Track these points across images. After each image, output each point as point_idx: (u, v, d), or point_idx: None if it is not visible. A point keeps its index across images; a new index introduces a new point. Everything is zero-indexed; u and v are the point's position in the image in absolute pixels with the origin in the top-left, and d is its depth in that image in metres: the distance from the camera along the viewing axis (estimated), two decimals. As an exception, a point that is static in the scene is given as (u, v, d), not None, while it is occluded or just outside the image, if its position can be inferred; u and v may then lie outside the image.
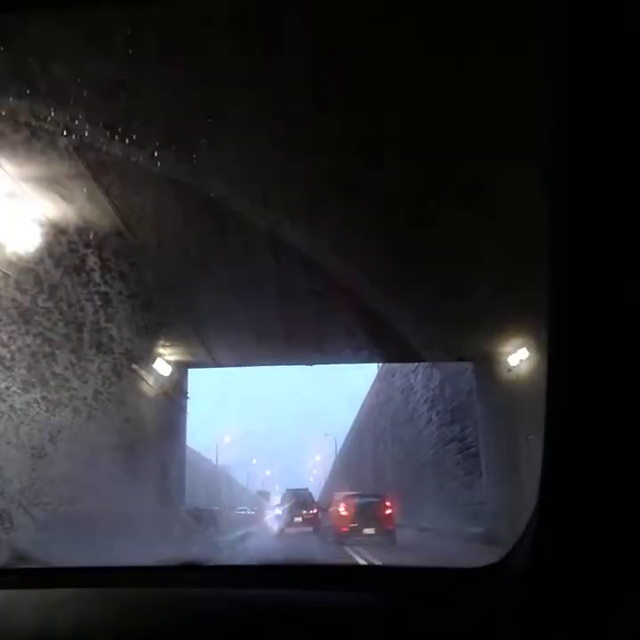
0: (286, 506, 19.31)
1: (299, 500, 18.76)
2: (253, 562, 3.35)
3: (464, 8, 4.08)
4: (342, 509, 13.82)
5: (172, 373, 13.07)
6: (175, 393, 13.49)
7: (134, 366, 10.93)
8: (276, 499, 26.73)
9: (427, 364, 16.08)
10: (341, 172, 5.85)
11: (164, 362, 12.74)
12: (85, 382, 8.29)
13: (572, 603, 1.06)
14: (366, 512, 12.92)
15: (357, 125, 5.25)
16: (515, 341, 10.71)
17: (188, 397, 14.86)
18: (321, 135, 5.35)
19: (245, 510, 28.29)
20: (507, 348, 11.09)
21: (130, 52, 4.08)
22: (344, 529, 13.02)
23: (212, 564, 2.12)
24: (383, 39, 4.40)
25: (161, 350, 12.25)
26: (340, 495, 15.81)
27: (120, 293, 7.85)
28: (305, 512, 18.08)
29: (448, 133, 5.34)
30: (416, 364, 17.02)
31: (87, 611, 1.46)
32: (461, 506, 13.53)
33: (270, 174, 5.78)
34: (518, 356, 10.91)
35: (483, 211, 6.28)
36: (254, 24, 4.19)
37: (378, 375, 23.50)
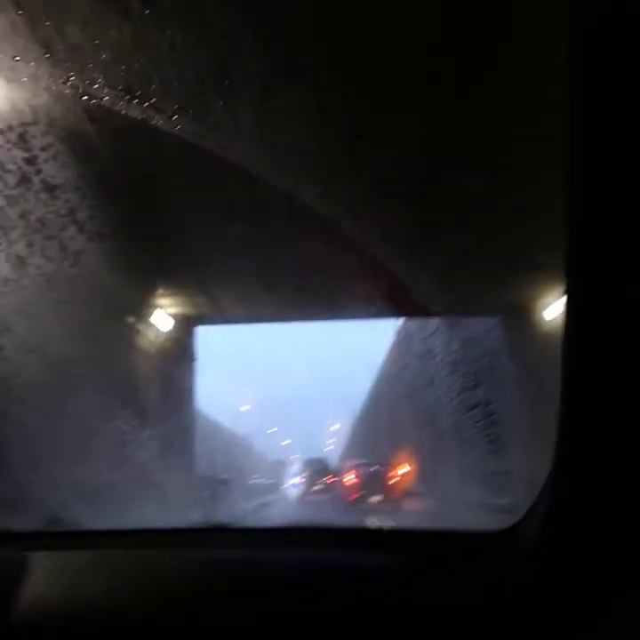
0: (305, 475, 19.58)
1: (317, 469, 19.13)
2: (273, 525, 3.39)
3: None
4: (350, 478, 13.64)
5: (174, 329, 11.77)
6: (180, 352, 12.33)
7: (129, 319, 10.04)
8: (293, 467, 26.57)
9: (447, 325, 15.03)
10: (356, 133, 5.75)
11: (164, 314, 11.46)
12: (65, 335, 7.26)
13: (581, 577, 1.06)
14: (373, 480, 12.57)
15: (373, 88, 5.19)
16: (552, 291, 9.59)
17: (195, 359, 13.56)
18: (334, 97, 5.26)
19: (260, 479, 27.66)
20: (543, 299, 10.02)
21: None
22: (351, 497, 12.77)
23: (238, 526, 2.24)
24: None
25: (160, 300, 11.03)
26: (348, 464, 15.78)
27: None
28: (323, 481, 18.40)
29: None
30: (435, 327, 15.94)
31: (115, 572, 1.51)
32: (485, 475, 12.76)
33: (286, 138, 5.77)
34: (555, 309, 9.76)
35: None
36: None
37: (394, 342, 22.41)
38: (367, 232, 6.94)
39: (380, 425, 26.62)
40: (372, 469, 13.55)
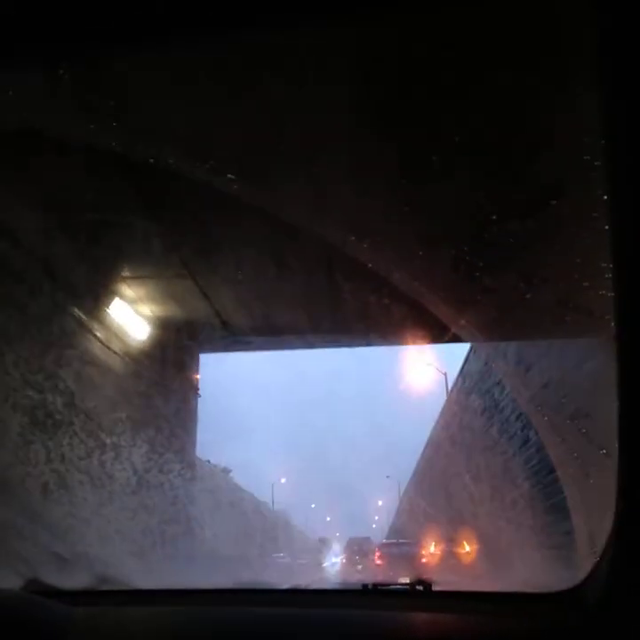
0: (347, 554, 19.80)
1: (360, 548, 19.20)
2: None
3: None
4: (376, 558, 13.25)
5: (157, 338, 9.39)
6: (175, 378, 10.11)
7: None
8: (335, 546, 26.85)
9: (518, 372, 13.49)
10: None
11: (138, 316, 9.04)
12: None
13: None
14: (400, 559, 12.13)
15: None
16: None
17: (198, 392, 11.37)
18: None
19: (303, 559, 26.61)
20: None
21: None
22: (379, 578, 12.05)
23: (283, 587, 2.37)
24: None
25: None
26: (379, 543, 15.51)
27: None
28: (365, 559, 18.39)
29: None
30: (499, 377, 14.31)
31: (158, 628, 1.55)
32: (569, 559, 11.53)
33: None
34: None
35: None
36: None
37: (448, 399, 20.94)
38: (416, 281, 6.92)
39: (434, 498, 24.14)
40: (393, 549, 13.14)
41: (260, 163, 5.32)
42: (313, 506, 45.99)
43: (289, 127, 4.96)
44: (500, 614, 1.49)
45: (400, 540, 15.66)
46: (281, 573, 17.40)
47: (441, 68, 4.27)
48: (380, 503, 46.10)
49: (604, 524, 1.15)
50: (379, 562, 13.18)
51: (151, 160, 5.33)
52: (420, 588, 1.92)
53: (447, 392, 20.72)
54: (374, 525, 46.28)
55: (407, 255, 6.66)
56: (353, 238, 6.31)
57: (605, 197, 1.07)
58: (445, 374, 19.27)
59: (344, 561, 19.87)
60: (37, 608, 1.57)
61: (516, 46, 3.90)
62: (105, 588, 2.17)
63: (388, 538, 29.67)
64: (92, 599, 1.87)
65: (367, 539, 21.24)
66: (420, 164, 5.56)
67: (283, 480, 39.02)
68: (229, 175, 5.24)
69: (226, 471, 22.74)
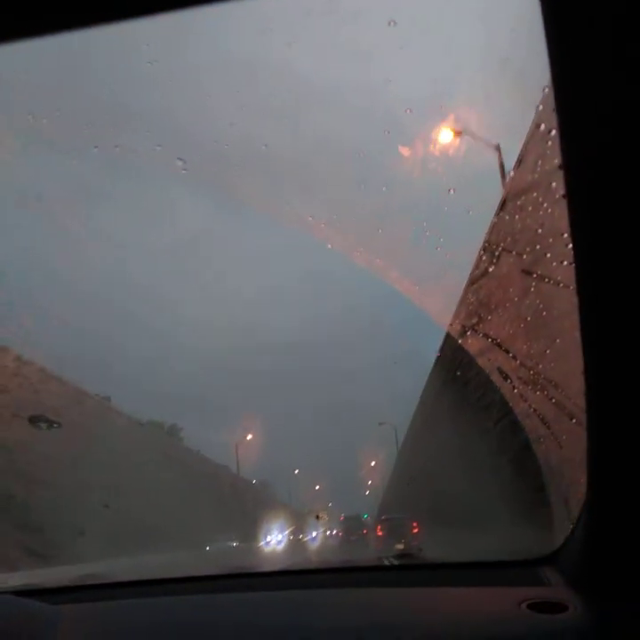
0: (343, 528, 24.31)
1: (352, 525, 23.73)
2: (303, 566, 3.46)
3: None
4: (377, 530, 17.96)
5: None
6: None
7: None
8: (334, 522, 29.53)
9: None
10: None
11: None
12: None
13: (620, 597, 1.08)
14: (396, 531, 16.00)
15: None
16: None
17: None
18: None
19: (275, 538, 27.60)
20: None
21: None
22: (379, 545, 16.85)
23: (262, 570, 2.35)
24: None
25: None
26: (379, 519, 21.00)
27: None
28: (356, 533, 22.72)
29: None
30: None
31: (140, 619, 1.54)
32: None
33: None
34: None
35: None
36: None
37: None
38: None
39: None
40: (392, 523, 17.52)
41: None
42: (296, 472, 42.25)
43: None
44: (485, 582, 1.53)
45: (395, 516, 19.60)
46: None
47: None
48: (372, 463, 41.13)
49: (577, 492, 1.19)
50: (379, 533, 17.36)
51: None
52: (408, 562, 1.99)
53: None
54: (367, 492, 44.11)
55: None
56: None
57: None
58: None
59: (340, 534, 24.56)
60: (22, 610, 1.53)
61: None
62: (88, 582, 2.14)
63: (380, 508, 34.71)
64: (76, 595, 1.85)
65: (358, 516, 26.71)
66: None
67: (248, 436, 34.59)
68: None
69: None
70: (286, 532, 26.55)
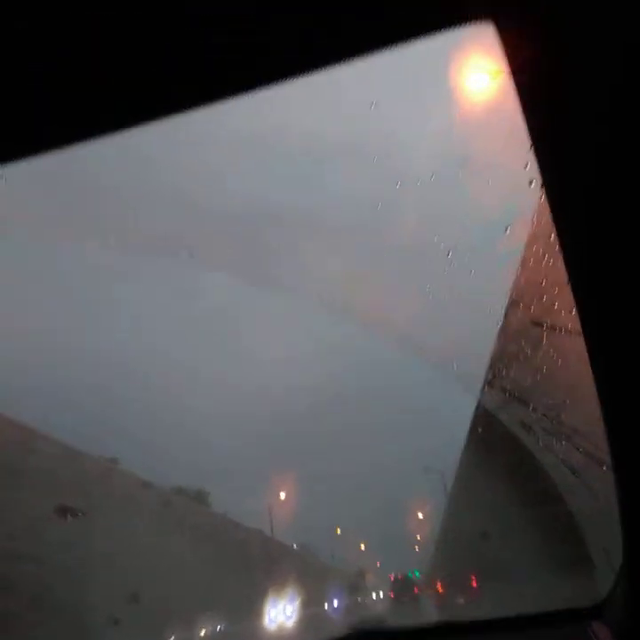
0: (394, 589, 23.57)
1: (403, 585, 23.10)
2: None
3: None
4: (438, 587, 19.10)
5: None
6: None
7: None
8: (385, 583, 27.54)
9: None
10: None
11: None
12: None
13: None
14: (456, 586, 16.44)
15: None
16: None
17: None
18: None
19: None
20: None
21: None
22: (439, 602, 17.47)
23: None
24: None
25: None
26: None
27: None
28: (408, 593, 22.11)
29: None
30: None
31: None
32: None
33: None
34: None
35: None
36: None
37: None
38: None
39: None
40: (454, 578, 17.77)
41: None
42: (339, 532, 35.01)
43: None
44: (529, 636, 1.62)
45: (453, 572, 19.44)
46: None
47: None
48: (420, 516, 33.05)
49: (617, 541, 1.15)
50: (440, 590, 18.53)
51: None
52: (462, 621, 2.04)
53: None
54: (417, 548, 38.45)
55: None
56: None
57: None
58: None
59: (391, 595, 24.05)
60: None
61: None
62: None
63: (433, 562, 31.13)
64: None
65: (408, 574, 25.89)
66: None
67: (282, 496, 28.99)
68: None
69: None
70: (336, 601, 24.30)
